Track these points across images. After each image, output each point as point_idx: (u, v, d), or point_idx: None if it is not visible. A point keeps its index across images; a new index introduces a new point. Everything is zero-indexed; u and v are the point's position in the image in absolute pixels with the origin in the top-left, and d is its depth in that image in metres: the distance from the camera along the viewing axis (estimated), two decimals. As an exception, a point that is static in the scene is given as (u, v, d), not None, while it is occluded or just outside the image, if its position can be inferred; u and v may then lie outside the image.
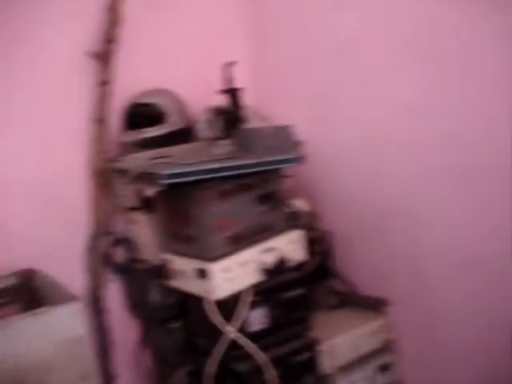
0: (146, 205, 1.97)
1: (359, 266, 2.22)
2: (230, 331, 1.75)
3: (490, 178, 1.75)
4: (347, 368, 2.05)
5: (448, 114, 1.82)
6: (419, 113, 1.90)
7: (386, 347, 2.13)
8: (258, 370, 1.78)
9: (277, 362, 1.81)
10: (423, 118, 1.89)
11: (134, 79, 2.14)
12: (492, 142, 1.73)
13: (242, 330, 1.77)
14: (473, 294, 1.88)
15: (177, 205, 1.82)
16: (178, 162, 1.80)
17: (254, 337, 1.79)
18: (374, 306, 2.14)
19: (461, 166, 1.82)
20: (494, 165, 1.73)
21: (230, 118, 2.08)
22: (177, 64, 2.31)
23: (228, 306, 1.76)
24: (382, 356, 2.13)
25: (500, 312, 1.81)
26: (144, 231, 2.03)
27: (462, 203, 1.84)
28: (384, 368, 2.13)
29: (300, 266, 1.92)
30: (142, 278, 2.00)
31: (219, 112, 2.10)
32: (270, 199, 1.86)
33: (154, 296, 1.96)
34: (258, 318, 1.81)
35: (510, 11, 1.58)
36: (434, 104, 1.85)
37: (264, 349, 1.79)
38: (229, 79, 2.09)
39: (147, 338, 2.12)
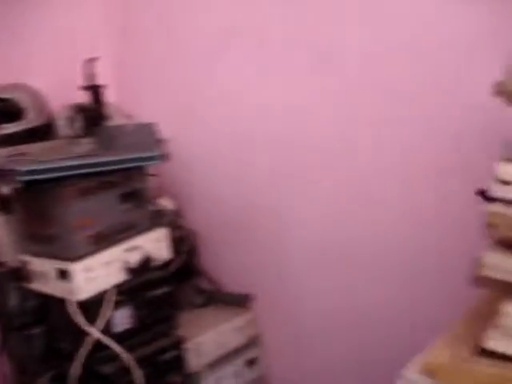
0: (2, 204, 1.89)
1: (224, 264, 2.24)
2: (94, 333, 1.71)
3: (349, 178, 1.84)
4: (215, 365, 2.07)
5: (309, 114, 1.88)
6: (283, 113, 1.95)
7: (252, 342, 2.18)
8: (124, 371, 1.75)
9: (143, 362, 1.79)
10: (288, 117, 1.95)
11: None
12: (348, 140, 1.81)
13: (106, 331, 1.73)
14: (345, 288, 1.96)
15: (35, 203, 1.75)
16: (36, 158, 1.73)
17: (119, 337, 1.76)
18: (238, 302, 2.18)
19: (316, 167, 1.89)
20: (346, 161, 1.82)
21: (91, 115, 2.03)
22: (37, 59, 2.21)
23: (91, 306, 1.71)
24: (248, 351, 2.17)
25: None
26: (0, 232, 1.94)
27: (327, 201, 1.92)
28: (251, 362, 2.17)
29: (165, 265, 1.90)
30: (-2, 281, 1.91)
31: (80, 109, 2.04)
32: (134, 197, 1.83)
33: (12, 300, 1.87)
34: (122, 318, 1.78)
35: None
36: (300, 104, 1.91)
37: (130, 349, 1.76)
38: (91, 75, 2.04)
39: (5, 346, 2.03)
